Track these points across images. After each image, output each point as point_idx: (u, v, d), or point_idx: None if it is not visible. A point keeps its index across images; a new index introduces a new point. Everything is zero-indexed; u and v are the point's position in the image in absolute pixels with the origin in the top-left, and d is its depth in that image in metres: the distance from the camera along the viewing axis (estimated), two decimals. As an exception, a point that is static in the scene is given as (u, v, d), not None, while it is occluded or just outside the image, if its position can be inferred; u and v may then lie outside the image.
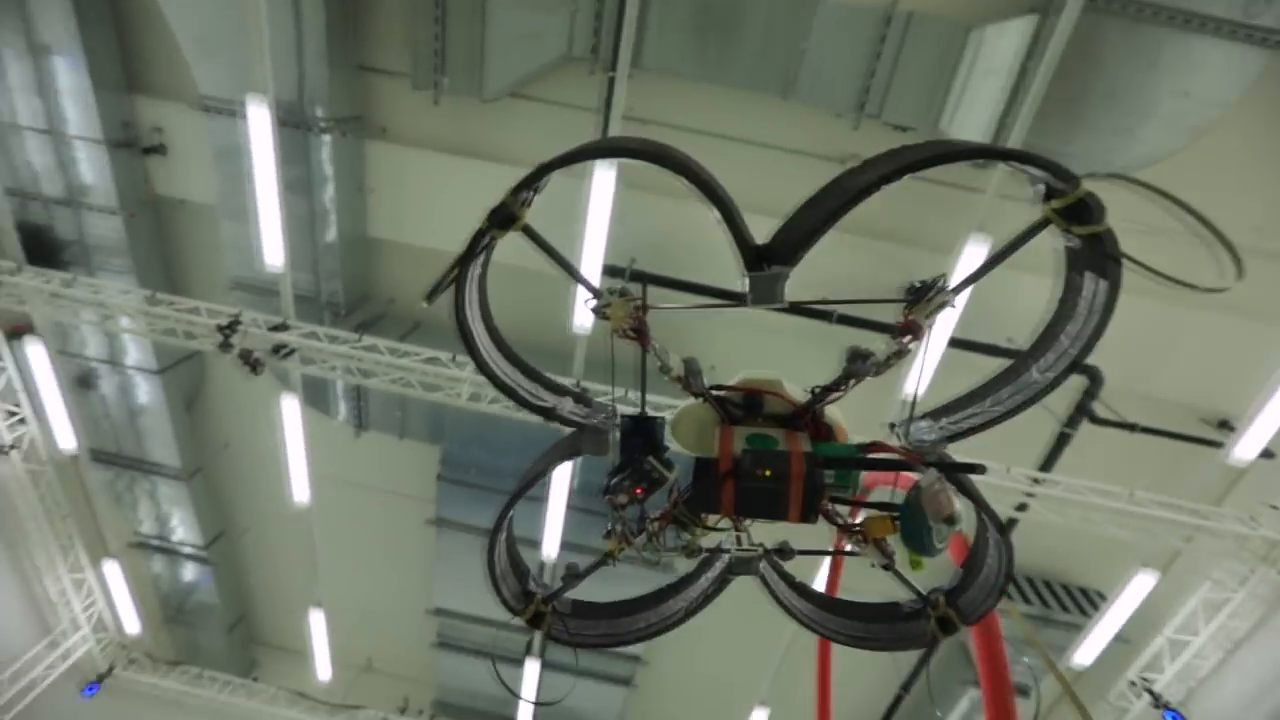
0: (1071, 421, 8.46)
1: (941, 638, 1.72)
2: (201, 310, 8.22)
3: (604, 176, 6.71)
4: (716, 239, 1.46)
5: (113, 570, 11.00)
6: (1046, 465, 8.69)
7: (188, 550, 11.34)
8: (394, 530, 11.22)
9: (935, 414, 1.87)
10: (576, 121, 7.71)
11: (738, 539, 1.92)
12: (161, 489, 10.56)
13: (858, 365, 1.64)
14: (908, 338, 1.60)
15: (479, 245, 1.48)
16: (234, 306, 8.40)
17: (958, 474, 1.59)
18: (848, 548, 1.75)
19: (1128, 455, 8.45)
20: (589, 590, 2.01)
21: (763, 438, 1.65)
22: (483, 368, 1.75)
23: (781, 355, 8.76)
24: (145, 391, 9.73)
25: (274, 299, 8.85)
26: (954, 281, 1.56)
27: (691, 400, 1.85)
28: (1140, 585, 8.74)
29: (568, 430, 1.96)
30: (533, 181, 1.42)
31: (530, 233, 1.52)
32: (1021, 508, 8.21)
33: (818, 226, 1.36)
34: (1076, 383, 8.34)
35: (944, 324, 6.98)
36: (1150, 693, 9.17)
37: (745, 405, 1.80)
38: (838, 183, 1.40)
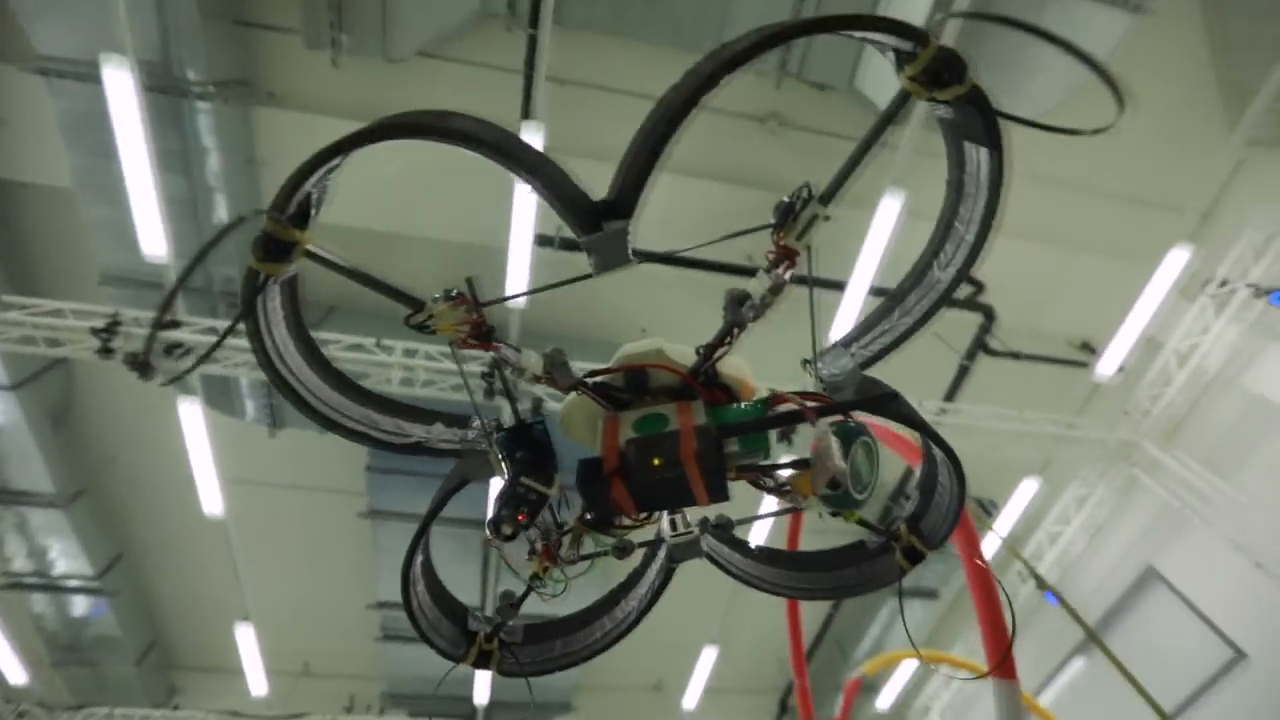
0: (970, 354, 9.45)
1: (910, 569, 1.64)
2: (65, 312, 7.09)
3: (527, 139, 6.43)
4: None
5: (-17, 617, 9.56)
6: (950, 396, 9.71)
7: (73, 584, 10.05)
8: (322, 528, 10.57)
9: (846, 341, 1.68)
10: (495, 82, 7.25)
11: (672, 523, 1.73)
12: (33, 519, 9.20)
13: (738, 312, 1.44)
14: (783, 266, 1.42)
15: (255, 293, 1.24)
16: (107, 305, 7.32)
17: (880, 405, 1.45)
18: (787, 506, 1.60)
19: (1018, 382, 9.60)
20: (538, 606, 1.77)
21: (652, 419, 1.46)
22: (325, 421, 1.50)
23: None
24: (-2, 412, 8.33)
25: (155, 293, 7.82)
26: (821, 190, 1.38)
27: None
28: (1025, 491, 10.11)
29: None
30: (289, 196, 1.16)
31: (316, 256, 1.28)
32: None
33: (646, 159, 1.18)
34: (974, 321, 9.29)
35: (864, 267, 7.42)
36: (1035, 576, 10.75)
37: (630, 385, 1.58)
38: (661, 102, 1.18)
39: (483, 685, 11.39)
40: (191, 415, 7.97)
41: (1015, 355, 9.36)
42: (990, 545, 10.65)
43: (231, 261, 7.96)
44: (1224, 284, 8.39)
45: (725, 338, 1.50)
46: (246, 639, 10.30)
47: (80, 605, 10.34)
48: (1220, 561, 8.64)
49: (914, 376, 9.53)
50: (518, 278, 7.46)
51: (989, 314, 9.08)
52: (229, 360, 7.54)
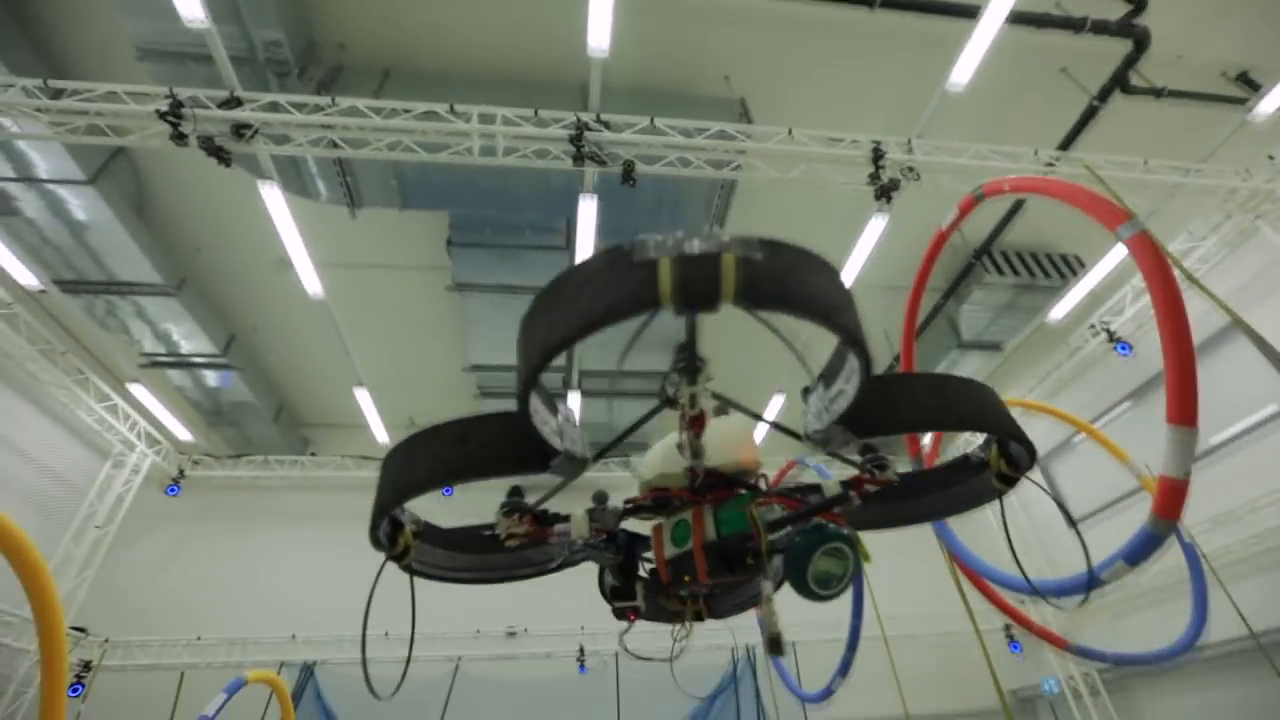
0: (1103, 94, 8.29)
1: (1006, 491, 1.66)
2: (121, 95, 6.54)
3: None
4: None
5: (139, 390, 10.80)
6: (1067, 144, 8.77)
7: (200, 360, 11.06)
8: (414, 303, 11.05)
9: (824, 377, 1.46)
10: None
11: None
12: (149, 308, 9.76)
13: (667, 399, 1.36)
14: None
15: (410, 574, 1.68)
16: (155, 84, 6.70)
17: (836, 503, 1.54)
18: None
19: (1156, 126, 8.55)
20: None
21: (681, 528, 1.57)
22: (491, 580, 1.96)
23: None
24: (81, 206, 8.26)
25: (196, 67, 7.09)
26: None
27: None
28: (1121, 248, 9.70)
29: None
30: (380, 520, 1.48)
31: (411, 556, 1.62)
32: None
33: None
34: (1118, 51, 7.95)
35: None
36: (1107, 331, 10.94)
37: (657, 503, 1.66)
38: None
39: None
40: (274, 198, 7.82)
41: (1157, 93, 8.18)
42: (1070, 301, 10.66)
43: (271, 23, 7.02)
44: None
45: (693, 440, 1.50)
46: (364, 399, 11.58)
47: (212, 378, 11.51)
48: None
49: (1032, 119, 8.57)
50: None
51: (1141, 41, 7.71)
52: (295, 141, 7.11)
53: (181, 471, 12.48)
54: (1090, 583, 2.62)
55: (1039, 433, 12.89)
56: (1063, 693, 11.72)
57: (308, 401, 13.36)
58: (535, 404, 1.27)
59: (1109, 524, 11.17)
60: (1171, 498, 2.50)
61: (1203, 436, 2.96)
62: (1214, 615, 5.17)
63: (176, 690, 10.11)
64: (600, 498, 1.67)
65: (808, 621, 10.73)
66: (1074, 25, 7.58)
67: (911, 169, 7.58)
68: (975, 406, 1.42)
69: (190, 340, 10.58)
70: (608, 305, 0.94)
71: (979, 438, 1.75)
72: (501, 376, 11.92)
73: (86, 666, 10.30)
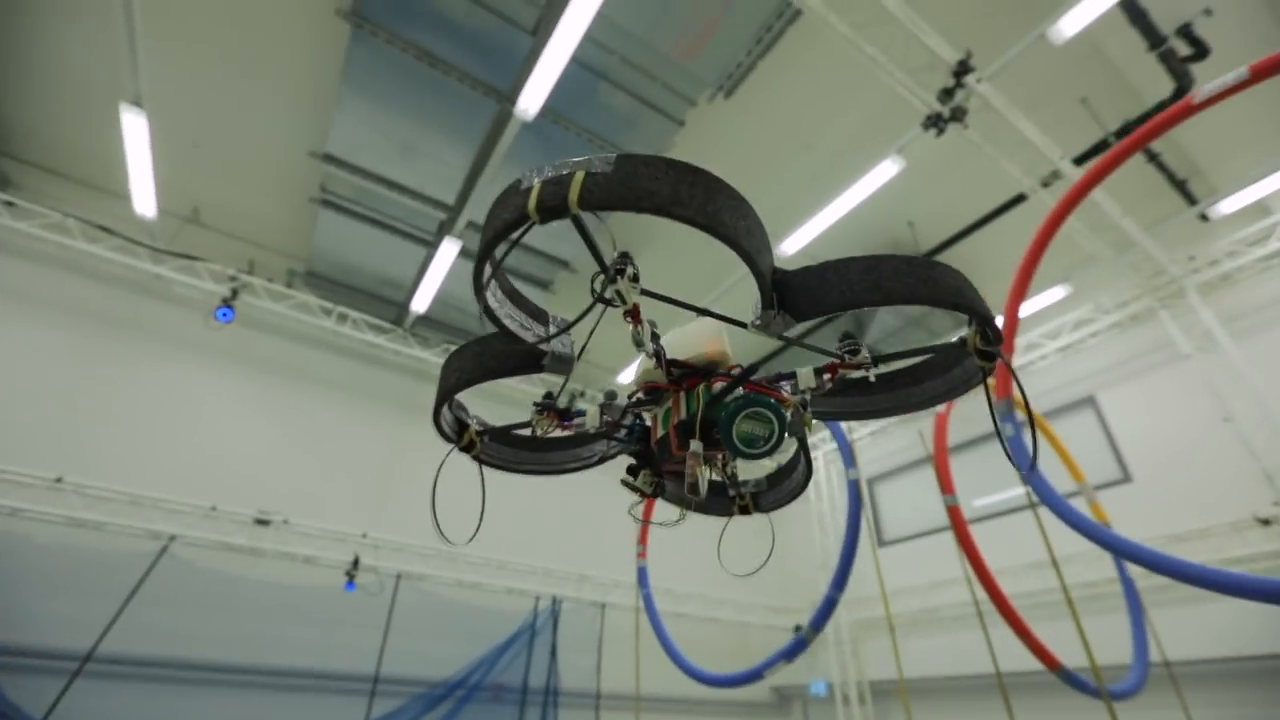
0: (1120, 132, 8.15)
1: (990, 368, 1.69)
2: None
3: None
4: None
5: None
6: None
7: None
8: (271, 17, 7.48)
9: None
10: None
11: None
12: None
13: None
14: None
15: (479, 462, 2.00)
16: None
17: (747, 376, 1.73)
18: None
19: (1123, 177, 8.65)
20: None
21: (665, 414, 1.80)
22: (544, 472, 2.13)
23: None
24: None
25: None
26: None
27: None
28: (1051, 295, 9.95)
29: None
30: (437, 420, 1.87)
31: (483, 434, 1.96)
32: None
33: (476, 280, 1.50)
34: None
35: None
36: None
37: (650, 393, 1.87)
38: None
39: (426, 293, 10.14)
40: None
41: (1151, 154, 8.27)
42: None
43: None
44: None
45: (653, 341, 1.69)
46: (135, 134, 7.54)
47: None
48: (1166, 409, 9.45)
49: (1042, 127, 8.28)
50: None
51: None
52: None
53: None
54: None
55: (876, 456, 13.29)
56: (831, 697, 12.02)
57: (28, 119, 8.65)
58: (518, 315, 1.63)
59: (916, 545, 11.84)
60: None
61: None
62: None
63: None
64: (610, 395, 1.90)
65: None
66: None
67: (972, 111, 6.57)
68: (907, 283, 1.46)
69: None
70: (501, 223, 1.32)
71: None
72: (360, 186, 8.76)
73: None
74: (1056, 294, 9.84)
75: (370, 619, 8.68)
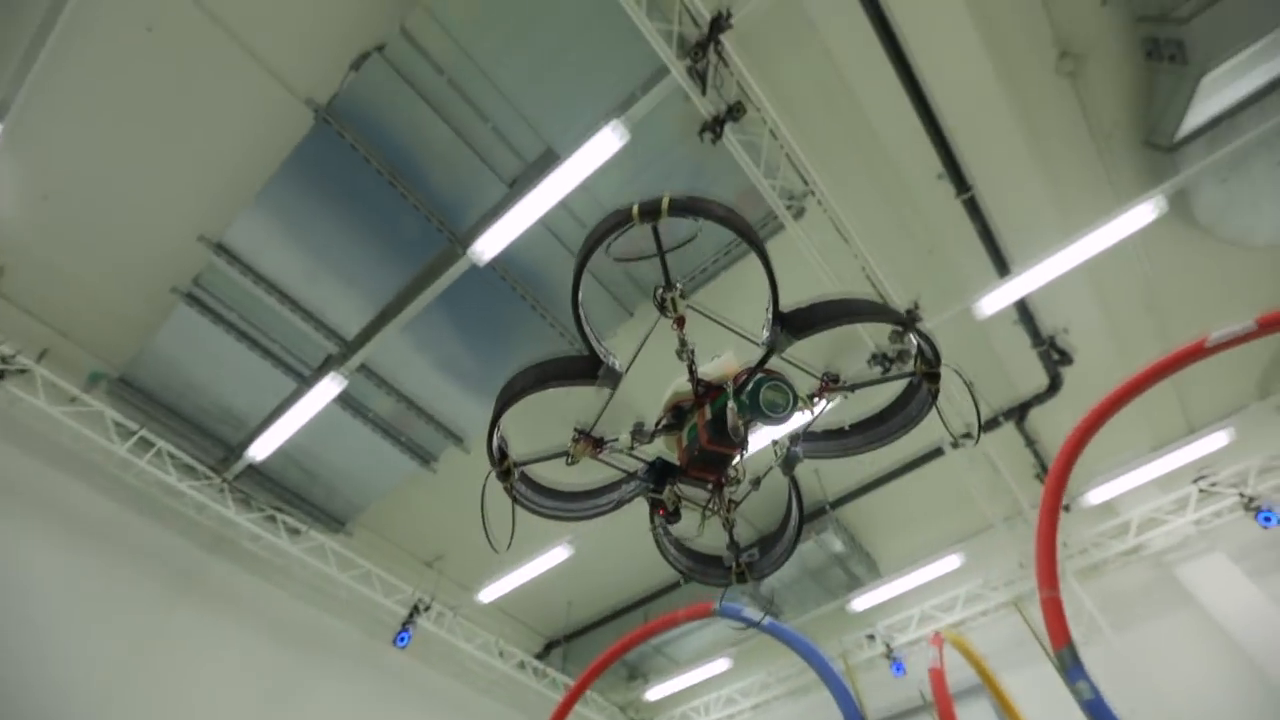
0: (1013, 415, 8.98)
1: (935, 388, 2.16)
2: None
3: None
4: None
5: None
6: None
7: None
8: (222, 86, 6.67)
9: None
10: None
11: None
12: None
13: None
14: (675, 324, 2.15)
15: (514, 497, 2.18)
16: None
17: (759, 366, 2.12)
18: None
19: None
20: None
21: (692, 429, 2.18)
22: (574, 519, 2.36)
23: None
24: None
25: None
26: None
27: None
28: (947, 563, 9.90)
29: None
30: (490, 451, 2.13)
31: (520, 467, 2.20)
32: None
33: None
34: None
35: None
36: (886, 645, 10.51)
37: (675, 417, 2.27)
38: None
39: (274, 439, 8.07)
40: None
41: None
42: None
43: None
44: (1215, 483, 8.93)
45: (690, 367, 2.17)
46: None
47: None
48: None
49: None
50: None
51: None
52: None
53: None
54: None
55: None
56: None
57: None
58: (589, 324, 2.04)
59: None
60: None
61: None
62: None
63: None
64: (639, 423, 2.20)
65: None
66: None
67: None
68: (868, 308, 2.24)
69: None
70: (606, 226, 1.88)
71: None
72: (244, 290, 7.31)
73: None
74: (952, 562, 9.80)
75: None
